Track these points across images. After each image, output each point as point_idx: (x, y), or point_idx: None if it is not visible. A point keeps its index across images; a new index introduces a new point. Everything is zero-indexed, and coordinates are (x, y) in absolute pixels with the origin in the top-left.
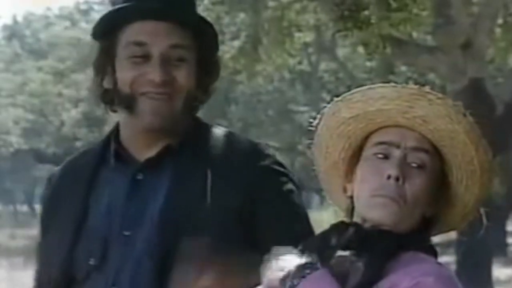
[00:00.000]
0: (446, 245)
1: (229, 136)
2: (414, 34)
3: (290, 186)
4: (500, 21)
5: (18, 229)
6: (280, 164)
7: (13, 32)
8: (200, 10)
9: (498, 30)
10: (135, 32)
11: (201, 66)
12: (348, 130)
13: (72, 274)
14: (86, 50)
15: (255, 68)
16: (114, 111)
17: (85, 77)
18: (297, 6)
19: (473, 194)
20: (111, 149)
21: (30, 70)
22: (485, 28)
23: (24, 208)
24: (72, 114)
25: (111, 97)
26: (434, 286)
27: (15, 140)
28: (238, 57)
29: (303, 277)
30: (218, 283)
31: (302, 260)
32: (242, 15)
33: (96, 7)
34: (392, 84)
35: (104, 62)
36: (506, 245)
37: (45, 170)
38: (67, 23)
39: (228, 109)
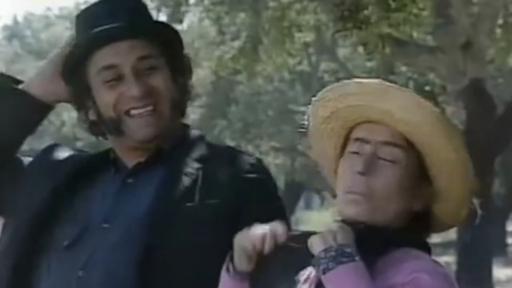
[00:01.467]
0: (446, 245)
1: (219, 146)
2: (414, 34)
3: (276, 199)
4: (500, 21)
5: None
6: (266, 174)
7: (14, 32)
8: (200, 10)
9: (498, 30)
10: (102, 57)
11: (173, 69)
12: (330, 128)
13: (41, 249)
14: None
15: (255, 68)
16: (106, 138)
17: None
18: (297, 6)
19: (458, 187)
20: (110, 158)
21: (30, 70)
22: (485, 28)
23: None
24: (73, 114)
25: (99, 127)
26: (430, 282)
27: None
28: (238, 57)
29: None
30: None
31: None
32: (242, 15)
33: None
34: (357, 80)
35: (82, 98)
36: (506, 245)
37: None
38: (67, 23)
39: (228, 109)
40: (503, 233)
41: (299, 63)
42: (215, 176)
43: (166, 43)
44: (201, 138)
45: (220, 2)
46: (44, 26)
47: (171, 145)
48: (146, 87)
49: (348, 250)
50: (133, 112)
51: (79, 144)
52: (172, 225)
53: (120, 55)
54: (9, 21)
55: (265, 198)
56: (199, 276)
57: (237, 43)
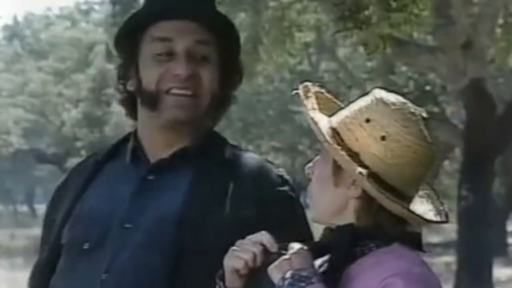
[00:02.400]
0: (447, 245)
1: (243, 152)
2: (415, 34)
3: (300, 211)
4: (500, 21)
5: (18, 229)
6: (292, 188)
7: (14, 32)
8: None
9: (498, 30)
10: (160, 29)
11: (223, 69)
12: None
13: (61, 249)
14: (86, 50)
15: (256, 68)
16: (135, 118)
17: (85, 77)
18: (298, 6)
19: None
20: (128, 146)
21: (30, 70)
22: (486, 28)
23: (24, 208)
24: (73, 114)
25: (133, 100)
26: (402, 287)
27: (16, 140)
28: None
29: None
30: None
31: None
32: (242, 15)
33: (96, 7)
34: None
35: (128, 65)
36: (506, 245)
37: (45, 170)
38: (68, 23)
39: (228, 109)
40: (503, 233)
41: (300, 63)
42: (245, 185)
43: (226, 40)
44: (225, 142)
45: (220, 1)
46: (44, 26)
47: (196, 144)
48: (193, 72)
49: (305, 273)
50: (173, 91)
51: (78, 144)
52: (203, 231)
53: (177, 31)
54: (9, 21)
55: (292, 219)
56: None
57: None
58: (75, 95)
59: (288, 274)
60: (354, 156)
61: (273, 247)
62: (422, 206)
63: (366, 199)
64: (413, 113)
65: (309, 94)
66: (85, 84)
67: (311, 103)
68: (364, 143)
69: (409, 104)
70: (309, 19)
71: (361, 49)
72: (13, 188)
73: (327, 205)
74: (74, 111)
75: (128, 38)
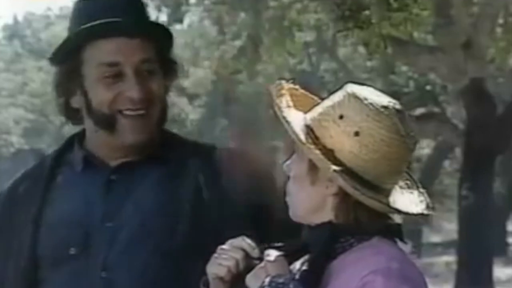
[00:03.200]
0: (447, 245)
1: (193, 141)
2: (415, 34)
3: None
4: (500, 21)
5: None
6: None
7: (14, 32)
8: (201, 10)
9: (498, 30)
10: (103, 51)
11: (165, 73)
12: None
13: (39, 267)
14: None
15: (256, 67)
16: (78, 124)
17: None
18: (298, 6)
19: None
20: (72, 158)
21: (30, 70)
22: (486, 28)
23: None
24: None
25: (79, 115)
26: (382, 284)
27: (16, 140)
28: (238, 56)
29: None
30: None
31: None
32: (243, 15)
33: None
34: None
35: (70, 84)
36: (506, 245)
37: None
38: (68, 23)
39: (228, 108)
40: (503, 233)
41: (300, 62)
42: (215, 171)
43: (163, 46)
44: (175, 135)
45: (221, 1)
46: (45, 26)
47: (154, 148)
48: (145, 91)
49: (281, 280)
50: (127, 112)
51: None
52: (184, 217)
53: (123, 53)
54: (9, 21)
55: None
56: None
57: (237, 43)
58: None
59: (266, 282)
60: (329, 153)
61: (254, 252)
62: (402, 198)
63: (342, 195)
64: (386, 107)
65: (283, 92)
66: None
67: (285, 101)
68: (338, 139)
69: (383, 98)
70: (309, 18)
71: (361, 48)
72: None
73: (305, 204)
74: None
75: (68, 60)
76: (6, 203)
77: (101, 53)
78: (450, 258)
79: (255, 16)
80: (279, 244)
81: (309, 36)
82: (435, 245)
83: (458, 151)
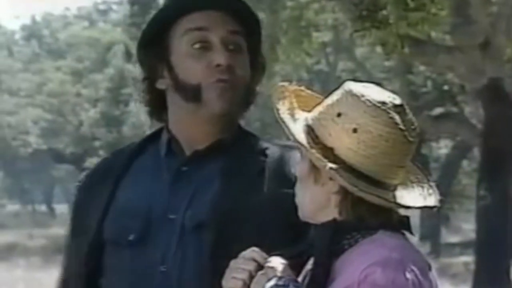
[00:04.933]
0: (465, 245)
1: (265, 139)
2: (433, 34)
3: None
4: None
5: (36, 229)
6: None
7: (32, 32)
8: None
9: None
10: (192, 20)
11: (252, 60)
12: None
13: (104, 246)
14: (104, 50)
15: (273, 68)
16: (159, 118)
17: (103, 77)
18: (315, 6)
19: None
20: (161, 141)
21: (48, 70)
22: (504, 27)
23: (43, 208)
24: (91, 114)
25: (160, 99)
26: (381, 277)
27: (34, 140)
28: None
29: None
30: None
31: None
32: (260, 15)
33: (114, 7)
34: None
35: (156, 63)
36: None
37: (63, 170)
38: (86, 23)
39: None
40: None
41: (317, 62)
42: (280, 169)
43: (252, 31)
44: (250, 133)
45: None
46: (63, 26)
47: (230, 136)
48: (231, 61)
49: (281, 282)
50: (217, 83)
51: (96, 144)
52: (237, 220)
53: (211, 21)
54: (27, 21)
55: None
56: None
57: None
58: (93, 94)
59: (266, 286)
60: (329, 151)
61: (265, 262)
62: (412, 191)
63: (344, 193)
64: (383, 102)
65: (286, 94)
66: (103, 84)
67: (288, 103)
68: (337, 137)
69: (381, 94)
70: (327, 18)
71: (378, 48)
72: (32, 188)
73: (311, 203)
74: (92, 111)
75: (157, 34)
76: (86, 186)
77: (188, 22)
78: (468, 258)
79: (273, 16)
80: (286, 250)
81: (326, 36)
82: (453, 245)
83: (476, 151)
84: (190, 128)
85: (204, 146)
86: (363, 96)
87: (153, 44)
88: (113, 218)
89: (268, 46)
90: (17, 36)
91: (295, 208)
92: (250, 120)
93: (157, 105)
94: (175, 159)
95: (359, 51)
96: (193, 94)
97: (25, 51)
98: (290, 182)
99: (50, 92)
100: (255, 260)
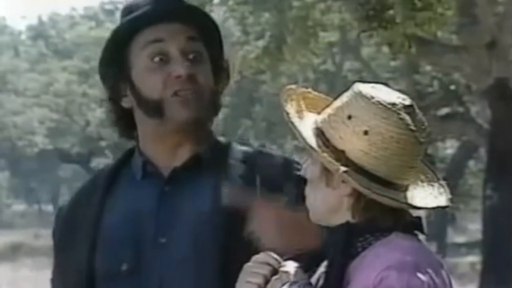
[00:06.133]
0: (472, 245)
1: (248, 148)
2: (439, 34)
3: None
4: None
5: (42, 229)
6: None
7: (38, 32)
8: (224, 10)
9: None
10: (148, 34)
11: (213, 66)
12: None
13: (95, 280)
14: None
15: (279, 68)
16: (129, 137)
17: None
18: (322, 5)
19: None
20: (134, 165)
21: (55, 70)
22: (510, 27)
23: (49, 208)
24: (97, 114)
25: (129, 120)
26: (397, 280)
27: (40, 140)
28: (262, 57)
29: None
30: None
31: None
32: (266, 15)
33: (121, 7)
34: None
35: (119, 82)
36: None
37: (70, 170)
38: (92, 23)
39: (252, 109)
40: None
41: (324, 62)
42: (267, 177)
43: (211, 37)
44: (229, 143)
45: (244, 1)
46: (69, 26)
47: (205, 149)
48: (192, 72)
49: (295, 286)
50: (178, 94)
51: (103, 144)
52: (237, 228)
53: (168, 32)
54: (34, 21)
55: None
56: None
57: (261, 43)
58: (100, 95)
59: None
60: (340, 154)
61: (280, 265)
62: (423, 191)
63: (357, 195)
64: (393, 103)
65: (293, 97)
66: None
67: (296, 105)
68: (348, 140)
69: (391, 95)
70: (333, 18)
71: (385, 48)
72: (38, 188)
73: (322, 206)
74: (98, 111)
75: (116, 53)
76: (67, 217)
77: (145, 37)
78: (474, 258)
79: (279, 16)
80: (300, 253)
81: (332, 36)
82: (460, 245)
83: (482, 151)
84: (160, 145)
85: (180, 163)
86: (373, 97)
87: (113, 63)
88: (102, 249)
89: (274, 46)
90: (24, 36)
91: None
92: (256, 120)
93: (125, 124)
94: (153, 181)
95: (366, 51)
96: (156, 108)
97: (32, 51)
98: (277, 187)
99: (56, 92)
100: (269, 264)
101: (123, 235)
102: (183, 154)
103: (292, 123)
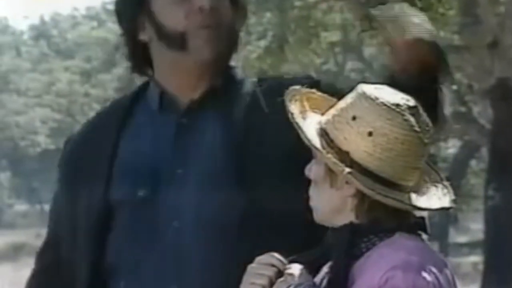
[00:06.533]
0: (474, 245)
1: (266, 80)
2: (441, 34)
3: None
4: None
5: (44, 229)
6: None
7: (40, 32)
8: None
9: None
10: None
11: (232, 5)
12: None
13: (111, 209)
14: (112, 50)
15: (281, 68)
16: (142, 72)
17: (112, 77)
18: (324, 5)
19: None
20: (150, 96)
21: (57, 70)
22: None
23: None
24: None
25: (143, 55)
26: (402, 281)
27: (43, 140)
28: (264, 57)
29: None
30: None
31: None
32: (268, 15)
33: None
34: None
35: (137, 14)
36: None
37: None
38: (94, 23)
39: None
40: None
41: (325, 62)
42: (281, 116)
43: None
44: (245, 76)
45: (246, 1)
46: (71, 26)
47: (222, 82)
48: (213, 2)
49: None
50: (201, 27)
51: None
52: (261, 157)
53: None
54: (36, 21)
55: None
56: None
57: (263, 43)
58: (102, 94)
59: None
60: (344, 154)
61: (284, 266)
62: (427, 192)
63: (361, 196)
64: (397, 104)
65: (297, 98)
66: (111, 84)
67: (300, 106)
68: (352, 141)
69: (395, 96)
70: (335, 18)
71: (387, 48)
72: (40, 188)
73: (326, 206)
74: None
75: None
76: (78, 149)
77: None
78: (476, 258)
79: (281, 16)
80: (305, 254)
81: (334, 35)
82: (462, 245)
83: (484, 151)
84: (179, 77)
85: (197, 95)
86: (377, 98)
87: None
88: (118, 179)
89: (276, 46)
90: (26, 36)
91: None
92: None
93: (140, 58)
94: (170, 112)
95: (368, 51)
96: (178, 42)
97: (34, 51)
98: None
99: (58, 92)
100: (273, 265)
101: (140, 165)
102: (199, 87)
103: (296, 123)
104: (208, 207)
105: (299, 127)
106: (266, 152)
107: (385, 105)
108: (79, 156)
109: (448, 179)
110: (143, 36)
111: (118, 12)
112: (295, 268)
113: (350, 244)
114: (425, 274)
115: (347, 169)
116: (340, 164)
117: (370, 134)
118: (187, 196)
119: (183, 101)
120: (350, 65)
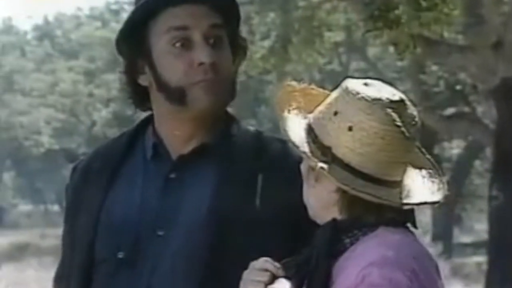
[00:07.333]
0: (478, 245)
1: (260, 135)
2: (445, 34)
3: None
4: None
5: (48, 229)
6: None
7: (44, 32)
8: None
9: None
10: (172, 17)
11: (232, 48)
12: None
13: (94, 264)
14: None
15: (285, 68)
16: (145, 110)
17: (116, 77)
18: (328, 5)
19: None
20: (146, 141)
21: (61, 70)
22: None
23: (55, 208)
24: (103, 114)
25: (144, 95)
26: (378, 277)
27: (46, 140)
28: (268, 57)
29: None
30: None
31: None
32: (272, 15)
33: (126, 7)
34: None
35: (137, 58)
36: None
37: None
38: (98, 23)
39: (257, 109)
40: None
41: (329, 62)
42: (274, 174)
43: (232, 20)
44: (245, 129)
45: (250, 1)
46: (75, 26)
47: (216, 136)
48: (214, 57)
49: None
50: (201, 82)
51: None
52: (235, 227)
53: (192, 17)
54: (40, 21)
55: None
56: None
57: (267, 43)
58: (106, 95)
59: None
60: (326, 150)
61: (278, 271)
62: (422, 187)
63: (341, 191)
64: (378, 99)
65: (295, 93)
66: (115, 84)
67: (295, 102)
68: (334, 136)
69: (381, 90)
70: (339, 18)
71: (391, 48)
72: (44, 188)
73: (315, 202)
74: (104, 111)
75: (138, 28)
76: (81, 179)
77: (169, 19)
78: (480, 258)
79: (284, 16)
80: (295, 258)
81: (338, 36)
82: (466, 245)
83: (488, 151)
84: (175, 129)
85: (188, 150)
86: (358, 93)
87: (133, 38)
88: (103, 230)
89: (280, 46)
90: (30, 36)
91: (286, 220)
92: (263, 121)
93: (141, 98)
94: (162, 164)
95: (372, 51)
96: (177, 96)
97: (38, 51)
98: (291, 179)
99: (62, 92)
100: (268, 271)
101: (124, 222)
102: (191, 142)
103: (282, 117)
104: (179, 274)
105: (282, 122)
106: (249, 217)
107: (365, 99)
108: (79, 188)
109: (453, 178)
110: (143, 81)
111: (119, 51)
112: (283, 283)
113: (332, 241)
114: (402, 270)
115: (320, 164)
116: (314, 159)
117: (350, 129)
118: (163, 260)
119: (175, 154)
120: (354, 65)
